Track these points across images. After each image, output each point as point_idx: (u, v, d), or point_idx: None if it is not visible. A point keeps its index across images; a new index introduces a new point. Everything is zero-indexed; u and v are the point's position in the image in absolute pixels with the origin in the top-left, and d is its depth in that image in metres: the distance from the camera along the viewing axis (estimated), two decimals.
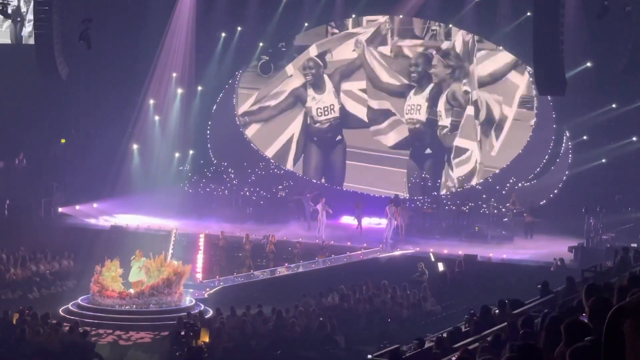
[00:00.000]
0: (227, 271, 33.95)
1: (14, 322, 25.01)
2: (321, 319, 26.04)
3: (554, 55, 29.36)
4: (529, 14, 34.93)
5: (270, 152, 44.06)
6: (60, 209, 40.77)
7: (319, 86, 43.56)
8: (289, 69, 43.83)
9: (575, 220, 34.40)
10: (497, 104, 40.53)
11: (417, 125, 41.86)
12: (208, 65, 43.49)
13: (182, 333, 22.91)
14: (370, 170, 42.80)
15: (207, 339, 23.44)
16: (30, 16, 40.10)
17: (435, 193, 40.37)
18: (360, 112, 42.99)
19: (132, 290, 29.35)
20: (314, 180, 43.27)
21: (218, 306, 28.19)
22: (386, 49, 42.42)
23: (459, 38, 41.04)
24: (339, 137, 43.49)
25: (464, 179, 41.02)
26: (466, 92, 40.96)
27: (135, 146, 43.37)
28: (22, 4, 42.70)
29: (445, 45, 41.46)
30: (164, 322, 27.78)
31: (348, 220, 40.56)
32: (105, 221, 39.18)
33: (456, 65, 41.24)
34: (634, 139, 37.69)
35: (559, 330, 6.87)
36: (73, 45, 34.40)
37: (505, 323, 14.52)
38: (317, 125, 43.68)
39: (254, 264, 34.34)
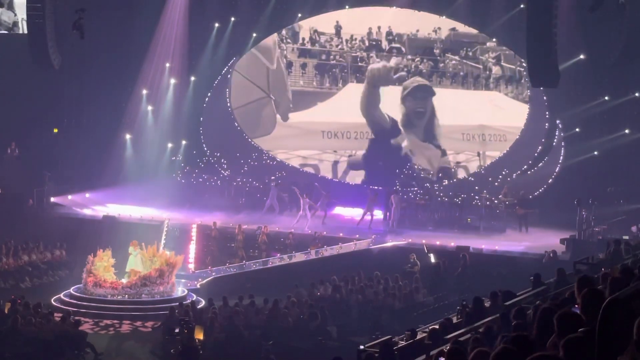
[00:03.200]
0: (219, 262, 33.93)
1: (6, 311, 24.97)
2: (308, 309, 26.10)
3: (547, 47, 29.40)
4: (522, 6, 34.95)
5: None
6: (52, 199, 40.67)
7: None
8: None
9: (568, 213, 34.42)
10: None
11: None
12: (201, 56, 43.44)
13: (177, 330, 22.88)
14: None
15: (201, 336, 23.42)
16: None
17: (428, 185, 40.37)
18: None
19: (124, 280, 29.31)
20: (305, 170, 43.28)
21: (210, 296, 28.22)
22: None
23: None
24: None
25: None
26: None
27: (127, 136, 43.34)
28: None
29: None
30: (156, 312, 27.76)
31: (341, 211, 40.65)
32: (97, 211, 39.13)
33: None
34: (627, 131, 37.74)
35: (551, 322, 6.89)
36: (66, 35, 34.34)
37: (498, 314, 14.55)
38: None
39: (246, 255, 34.34)
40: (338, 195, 40.55)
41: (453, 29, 42.05)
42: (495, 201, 38.36)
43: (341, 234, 35.88)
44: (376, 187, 40.06)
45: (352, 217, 39.38)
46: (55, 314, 25.54)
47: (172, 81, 43.99)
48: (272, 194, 40.07)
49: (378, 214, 39.24)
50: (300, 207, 38.11)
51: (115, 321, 27.61)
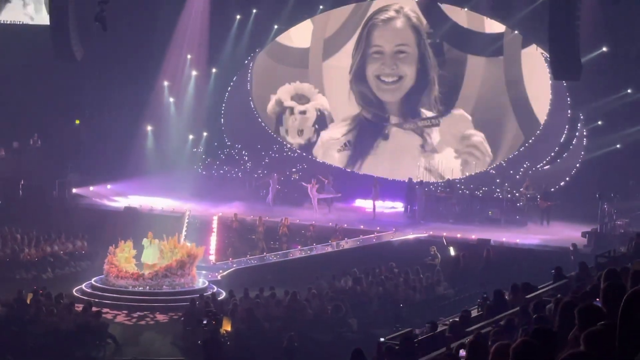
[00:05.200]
0: (240, 253, 34.02)
1: (28, 301, 25.15)
2: (329, 302, 26.17)
3: (569, 39, 29.24)
4: None
5: None
6: (74, 190, 40.89)
7: None
8: None
9: (589, 206, 34.31)
10: None
11: None
12: (223, 48, 43.48)
13: (205, 322, 22.94)
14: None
15: (229, 328, 23.46)
16: None
17: (449, 177, 40.29)
18: None
19: (145, 272, 29.42)
20: (327, 163, 43.26)
21: (231, 288, 28.31)
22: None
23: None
24: None
25: None
26: None
27: (149, 128, 43.49)
28: None
29: None
30: (177, 304, 27.87)
31: (362, 203, 40.71)
32: (118, 202, 39.29)
33: None
34: None
35: (572, 315, 6.87)
36: (88, 27, 34.43)
37: (518, 308, 14.53)
38: None
39: (267, 247, 34.40)
40: (358, 187, 40.77)
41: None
42: (517, 194, 38.25)
43: (362, 226, 35.89)
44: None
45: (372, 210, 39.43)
46: (77, 305, 25.70)
47: (194, 73, 44.08)
48: (272, 186, 40.39)
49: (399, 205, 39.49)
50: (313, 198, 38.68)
51: (137, 312, 27.73)
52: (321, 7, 42.65)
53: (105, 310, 26.52)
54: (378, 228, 35.42)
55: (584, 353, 5.63)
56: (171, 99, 44.06)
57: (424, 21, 41.92)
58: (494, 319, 14.80)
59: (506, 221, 37.00)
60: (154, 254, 29.86)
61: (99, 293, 28.75)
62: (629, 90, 37.49)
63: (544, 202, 36.82)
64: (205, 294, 27.83)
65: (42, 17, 41.31)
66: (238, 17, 43.31)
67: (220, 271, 32.13)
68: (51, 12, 34.29)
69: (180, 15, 42.49)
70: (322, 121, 44.08)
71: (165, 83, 43.65)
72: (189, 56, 43.61)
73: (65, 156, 41.44)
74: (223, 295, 28.49)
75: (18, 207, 37.42)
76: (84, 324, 24.02)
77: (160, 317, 27.49)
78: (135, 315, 27.55)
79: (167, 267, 29.26)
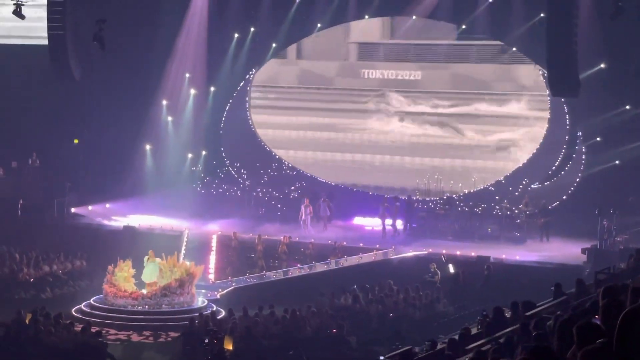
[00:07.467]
0: (239, 272, 33.95)
1: (27, 321, 25.06)
2: (328, 319, 26.11)
3: (567, 56, 29.28)
4: (542, 14, 34.82)
5: None
6: (73, 209, 40.88)
7: None
8: None
9: (589, 222, 34.26)
10: None
11: None
12: (221, 66, 43.47)
13: (206, 340, 22.85)
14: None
15: (230, 347, 23.39)
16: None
17: (448, 194, 40.28)
18: None
19: (144, 291, 29.38)
20: (324, 181, 43.22)
21: (230, 307, 28.23)
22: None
23: None
24: None
25: None
26: None
27: (148, 147, 43.42)
28: None
29: None
30: (176, 323, 27.80)
31: (361, 221, 40.60)
32: (117, 221, 39.25)
33: None
34: None
35: (571, 333, 6.84)
36: (87, 46, 34.49)
37: (518, 325, 14.48)
38: None
39: (266, 265, 34.34)
40: (357, 205, 40.73)
41: None
42: (516, 211, 38.23)
43: (361, 244, 35.81)
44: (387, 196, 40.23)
45: (372, 228, 39.28)
46: (76, 325, 25.62)
47: (192, 92, 44.05)
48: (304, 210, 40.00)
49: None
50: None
51: (136, 331, 27.68)
52: (319, 25, 42.68)
53: (104, 330, 26.47)
54: (377, 246, 35.37)
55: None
56: (170, 118, 44.02)
57: None
58: (493, 336, 14.75)
59: (505, 238, 36.98)
60: (153, 273, 29.82)
61: (98, 313, 28.71)
62: (627, 107, 37.47)
63: (543, 218, 36.82)
64: (204, 312, 27.77)
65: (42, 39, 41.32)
66: (236, 35, 43.34)
67: (220, 290, 32.08)
68: (49, 31, 34.33)
69: (179, 34, 42.51)
70: None
71: (164, 102, 43.62)
72: (187, 75, 43.60)
73: (64, 176, 41.37)
74: (222, 314, 28.43)
75: (17, 226, 37.36)
76: (83, 344, 23.95)
77: (160, 337, 27.43)
78: (134, 334, 27.49)
79: (166, 286, 29.23)
